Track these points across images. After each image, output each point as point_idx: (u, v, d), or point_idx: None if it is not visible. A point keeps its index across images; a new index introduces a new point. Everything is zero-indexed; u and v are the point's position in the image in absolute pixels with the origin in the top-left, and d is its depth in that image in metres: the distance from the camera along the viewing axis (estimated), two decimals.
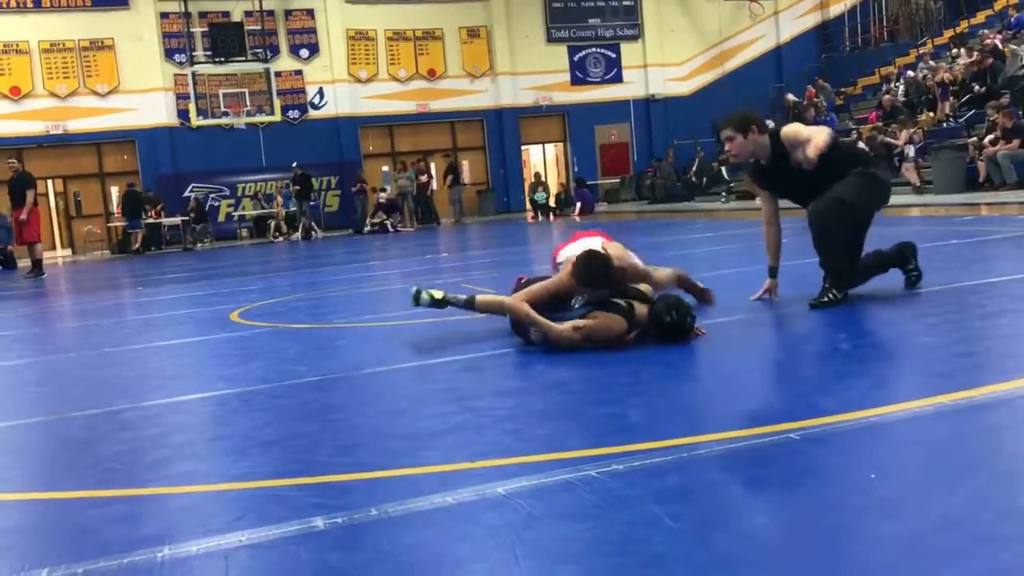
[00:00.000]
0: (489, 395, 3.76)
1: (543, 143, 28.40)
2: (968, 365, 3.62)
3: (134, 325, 7.70)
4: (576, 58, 27.55)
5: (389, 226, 21.92)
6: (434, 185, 25.32)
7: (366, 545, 2.25)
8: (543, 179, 24.99)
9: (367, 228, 22.32)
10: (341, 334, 5.95)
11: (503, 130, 26.89)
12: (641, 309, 4.38)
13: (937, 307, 4.92)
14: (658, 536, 2.16)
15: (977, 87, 18.05)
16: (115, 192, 23.96)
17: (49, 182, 23.90)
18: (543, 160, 28.59)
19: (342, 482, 2.77)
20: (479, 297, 5.06)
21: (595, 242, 4.80)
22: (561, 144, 28.33)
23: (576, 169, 27.15)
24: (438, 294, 5.07)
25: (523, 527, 2.27)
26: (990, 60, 18.39)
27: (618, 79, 27.89)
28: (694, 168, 24.46)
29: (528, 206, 25.00)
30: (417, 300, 5.03)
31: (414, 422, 3.41)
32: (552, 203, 23.79)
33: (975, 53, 19.32)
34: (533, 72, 26.93)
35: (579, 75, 27.57)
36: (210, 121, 23.24)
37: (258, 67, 23.35)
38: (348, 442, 3.23)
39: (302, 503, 2.58)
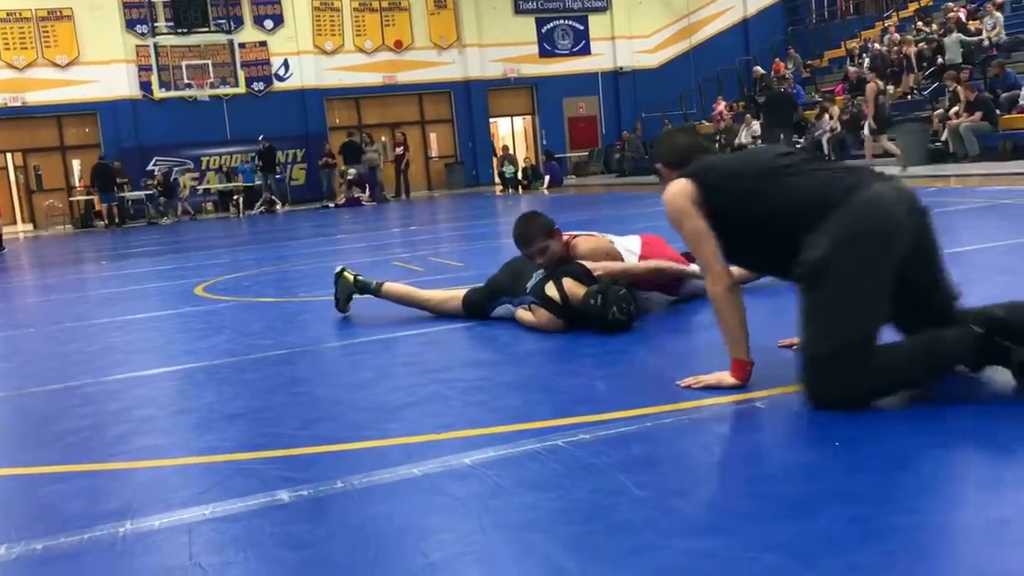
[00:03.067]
0: (456, 367, 3.74)
1: (511, 116, 28.26)
2: None
3: (97, 300, 7.58)
4: (544, 30, 27.39)
5: (361, 199, 21.72)
6: (409, 157, 25.15)
7: (331, 517, 2.23)
8: (510, 152, 24.89)
9: (337, 202, 22.04)
10: (306, 307, 5.90)
11: (471, 102, 26.71)
12: (576, 290, 4.11)
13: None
14: (624, 504, 2.16)
15: (941, 59, 18.17)
16: (77, 165, 23.55)
17: (8, 155, 23.44)
18: (511, 133, 28.46)
19: (307, 455, 2.75)
20: (388, 285, 5.00)
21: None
22: (529, 117, 28.21)
23: (545, 142, 27.08)
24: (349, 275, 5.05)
25: (489, 497, 2.26)
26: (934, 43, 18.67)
27: (586, 51, 27.79)
28: None
29: (497, 179, 24.92)
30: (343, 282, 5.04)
31: (380, 395, 3.39)
32: (520, 176, 23.72)
33: (927, 29, 19.54)
34: (501, 44, 26.74)
35: (547, 47, 27.42)
36: (173, 93, 22.85)
37: (222, 38, 22.97)
38: (313, 415, 3.20)
39: (267, 476, 2.55)
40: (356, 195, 21.87)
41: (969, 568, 1.73)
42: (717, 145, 20.35)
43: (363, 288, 5.00)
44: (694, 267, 4.32)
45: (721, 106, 22.84)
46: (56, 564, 2.10)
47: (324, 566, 1.95)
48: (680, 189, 2.94)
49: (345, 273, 5.07)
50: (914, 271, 2.70)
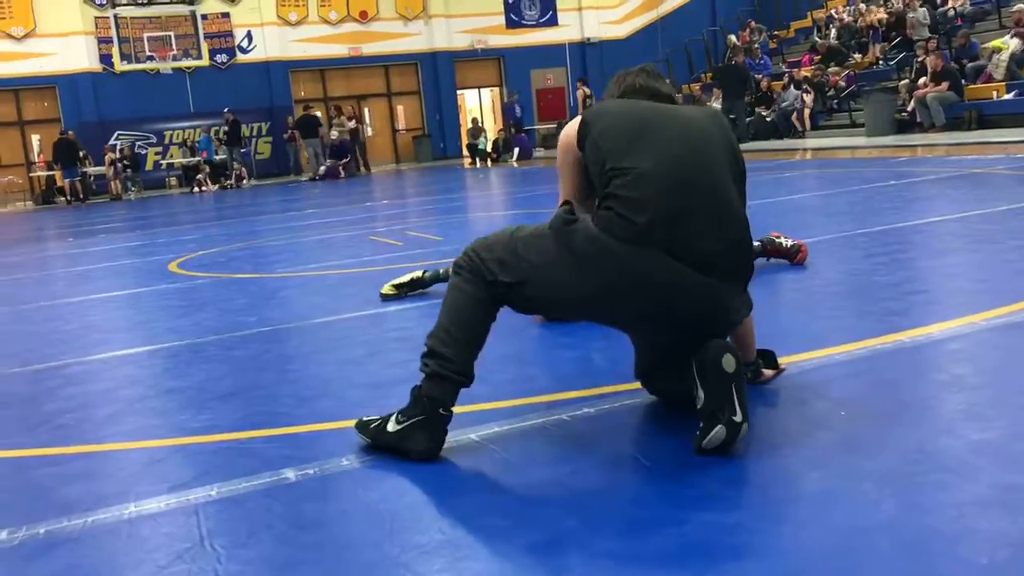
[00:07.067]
0: None
1: (479, 88, 28.06)
2: (921, 302, 3.69)
3: (68, 277, 7.44)
4: (511, 0, 27.14)
5: (327, 170, 21.38)
6: (369, 131, 24.91)
7: (342, 495, 2.21)
8: (480, 124, 24.73)
9: (319, 174, 21.58)
10: (287, 283, 5.83)
11: (438, 74, 26.47)
12: None
13: (885, 247, 5.00)
14: (638, 477, 2.16)
15: (909, 32, 18.26)
16: (36, 140, 23.05)
17: None
18: (479, 105, 28.26)
19: (308, 433, 2.71)
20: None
21: None
22: (497, 89, 28.02)
23: (519, 113, 26.89)
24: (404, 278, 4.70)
25: (501, 472, 2.25)
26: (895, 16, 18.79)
27: (553, 22, 27.56)
28: None
29: (465, 152, 24.76)
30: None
31: (374, 371, 3.36)
32: (489, 149, 23.60)
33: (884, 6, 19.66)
34: (468, 15, 26.48)
35: (514, 18, 27.16)
36: (134, 66, 22.43)
37: (183, 9, 22.55)
38: (309, 393, 3.16)
39: (269, 455, 2.52)
40: (333, 165, 21.44)
41: None
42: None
43: (434, 280, 4.68)
44: None
45: None
46: (62, 549, 2.05)
47: (342, 545, 1.93)
48: (573, 122, 2.59)
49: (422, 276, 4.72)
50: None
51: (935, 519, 1.80)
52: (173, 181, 23.79)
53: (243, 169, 22.11)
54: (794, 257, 4.62)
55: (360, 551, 1.90)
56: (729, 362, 2.25)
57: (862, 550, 1.71)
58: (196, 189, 21.23)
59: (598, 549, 1.80)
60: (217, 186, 21.54)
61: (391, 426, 2.41)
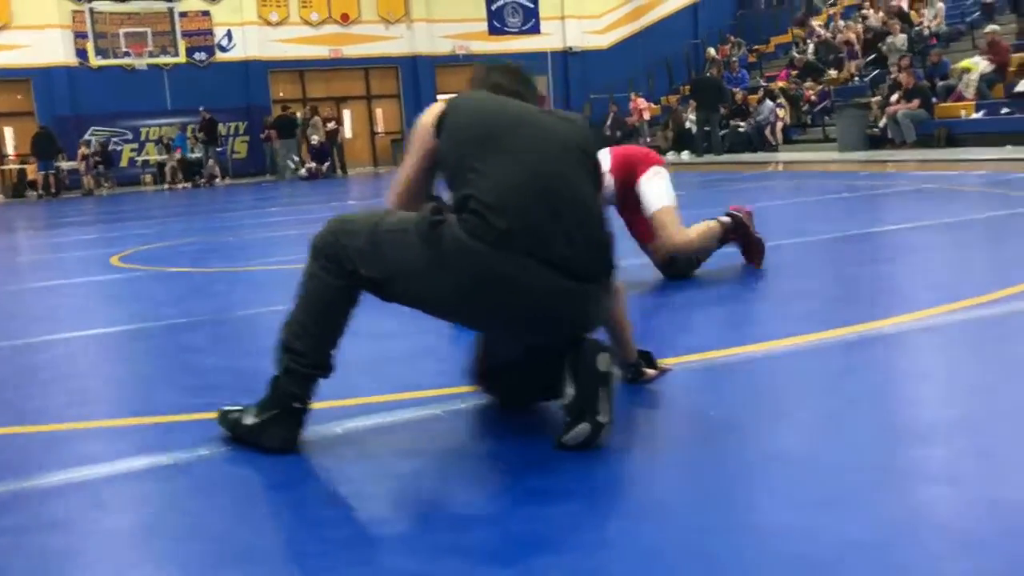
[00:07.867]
0: (361, 337, 3.62)
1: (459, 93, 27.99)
2: (825, 309, 3.65)
3: (6, 268, 7.34)
4: (494, 7, 27.12)
5: (309, 172, 21.35)
6: (348, 133, 24.84)
7: (186, 486, 2.14)
8: None
9: (301, 175, 21.55)
10: (221, 278, 5.75)
11: (419, 79, 26.42)
12: None
13: (821, 254, 4.98)
14: (483, 471, 2.11)
15: (883, 48, 18.35)
16: (9, 133, 22.86)
17: None
18: None
19: (181, 422, 2.64)
20: None
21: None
22: None
23: None
24: None
25: (350, 466, 2.19)
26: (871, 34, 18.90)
27: (536, 30, 27.59)
28: (608, 122, 24.44)
29: None
30: None
31: (269, 364, 3.27)
32: None
33: (872, 18, 19.77)
34: (450, 20, 26.47)
35: (497, 24, 27.16)
36: (111, 61, 22.24)
37: (162, 6, 22.40)
38: (196, 383, 3.09)
39: (129, 443, 2.45)
40: (316, 169, 21.42)
41: None
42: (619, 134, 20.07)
43: None
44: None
45: (641, 104, 22.73)
46: None
47: (161, 535, 1.86)
48: (433, 108, 2.51)
49: None
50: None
51: (772, 517, 1.75)
52: (148, 178, 23.62)
53: (216, 167, 21.99)
54: (748, 249, 4.49)
55: (179, 542, 1.83)
56: (603, 362, 2.20)
57: (681, 549, 1.65)
58: (166, 185, 21.13)
59: (420, 542, 1.74)
60: (190, 184, 21.44)
61: (248, 419, 2.34)
